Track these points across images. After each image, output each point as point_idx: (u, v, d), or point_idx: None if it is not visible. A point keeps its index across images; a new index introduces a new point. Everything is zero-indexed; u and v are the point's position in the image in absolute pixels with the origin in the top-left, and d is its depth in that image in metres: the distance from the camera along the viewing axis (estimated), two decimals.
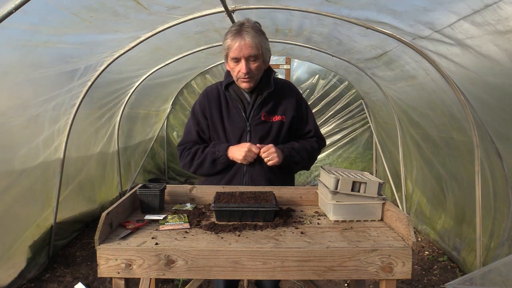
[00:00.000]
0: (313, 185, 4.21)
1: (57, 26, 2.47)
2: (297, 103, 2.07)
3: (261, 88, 2.00)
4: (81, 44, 2.95)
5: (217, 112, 2.04)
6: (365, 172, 1.84)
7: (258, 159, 1.96)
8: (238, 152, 1.93)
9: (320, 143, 2.15)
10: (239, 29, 1.87)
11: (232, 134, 2.02)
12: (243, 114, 2.01)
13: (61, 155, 3.59)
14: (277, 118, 2.02)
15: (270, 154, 1.92)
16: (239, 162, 1.95)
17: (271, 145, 1.94)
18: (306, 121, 2.11)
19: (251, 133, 2.00)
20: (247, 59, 1.87)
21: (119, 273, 1.33)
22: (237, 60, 1.89)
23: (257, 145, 1.94)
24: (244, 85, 1.94)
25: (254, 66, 1.90)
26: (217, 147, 1.99)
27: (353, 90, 6.57)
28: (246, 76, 1.90)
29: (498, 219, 3.02)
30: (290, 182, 2.14)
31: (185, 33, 3.75)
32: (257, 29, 1.90)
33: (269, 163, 1.93)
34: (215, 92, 2.08)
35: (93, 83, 3.57)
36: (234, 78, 1.96)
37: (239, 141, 2.01)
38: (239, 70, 1.90)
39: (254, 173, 1.99)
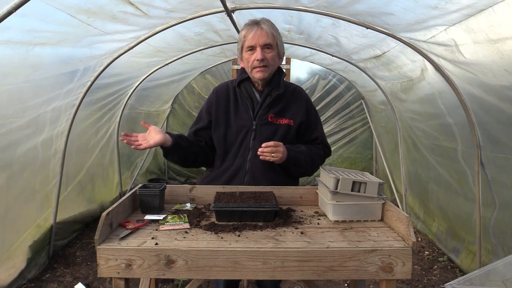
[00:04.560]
0: (313, 185, 4.20)
1: (57, 27, 2.47)
2: (307, 109, 2.08)
3: (271, 89, 1.99)
4: (80, 46, 2.95)
5: (224, 108, 2.04)
6: (365, 172, 1.84)
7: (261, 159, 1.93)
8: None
9: (326, 151, 2.13)
10: (255, 21, 1.93)
11: (236, 131, 2.00)
12: (251, 113, 2.00)
13: (61, 156, 3.59)
14: (284, 121, 2.01)
15: (276, 150, 1.85)
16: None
17: (280, 143, 1.89)
18: (315, 128, 2.10)
19: (256, 133, 1.98)
20: (263, 47, 1.89)
21: (119, 273, 1.33)
22: (252, 48, 1.91)
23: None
24: (258, 74, 1.92)
25: (269, 56, 1.91)
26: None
27: (353, 90, 6.57)
28: (261, 64, 1.89)
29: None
30: (293, 183, 2.08)
31: (185, 33, 3.75)
32: (273, 24, 1.95)
33: (272, 159, 1.86)
34: (225, 89, 2.09)
35: (92, 83, 3.56)
36: (249, 69, 1.95)
37: (243, 139, 1.99)
38: (254, 58, 1.90)
39: (256, 173, 1.97)
